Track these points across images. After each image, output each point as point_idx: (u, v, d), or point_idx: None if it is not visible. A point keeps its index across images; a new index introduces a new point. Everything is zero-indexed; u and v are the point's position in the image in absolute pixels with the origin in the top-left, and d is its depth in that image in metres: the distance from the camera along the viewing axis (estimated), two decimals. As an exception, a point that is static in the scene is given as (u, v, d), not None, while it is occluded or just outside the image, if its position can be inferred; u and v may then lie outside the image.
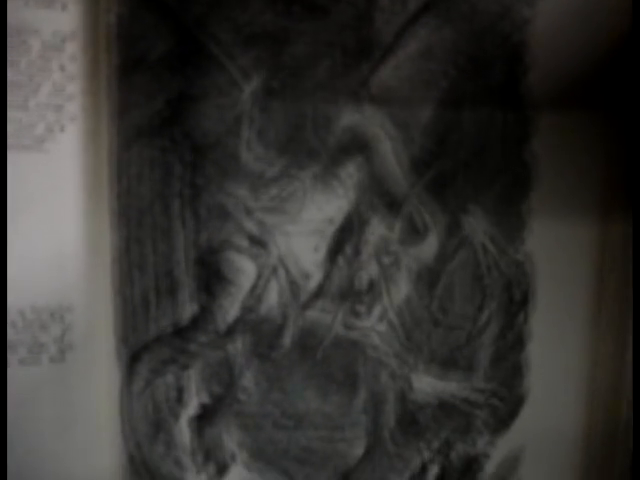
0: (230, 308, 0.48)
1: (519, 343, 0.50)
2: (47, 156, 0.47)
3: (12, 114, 0.46)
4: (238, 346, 0.49)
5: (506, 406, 0.51)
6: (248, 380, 0.49)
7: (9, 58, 0.46)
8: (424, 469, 0.51)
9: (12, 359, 0.48)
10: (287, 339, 0.49)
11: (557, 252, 0.49)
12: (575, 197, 0.49)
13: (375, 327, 0.49)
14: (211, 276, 0.48)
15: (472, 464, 0.51)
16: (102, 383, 0.49)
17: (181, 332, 0.49)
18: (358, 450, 0.51)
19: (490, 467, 0.51)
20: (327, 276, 0.48)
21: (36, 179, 0.48)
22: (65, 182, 0.48)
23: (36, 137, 0.47)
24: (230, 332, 0.49)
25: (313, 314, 0.49)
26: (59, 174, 0.48)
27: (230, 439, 0.50)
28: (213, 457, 0.50)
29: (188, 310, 0.48)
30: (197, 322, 0.49)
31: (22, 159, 0.47)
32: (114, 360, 0.49)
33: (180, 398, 0.49)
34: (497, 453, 0.51)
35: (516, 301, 0.50)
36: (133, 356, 0.49)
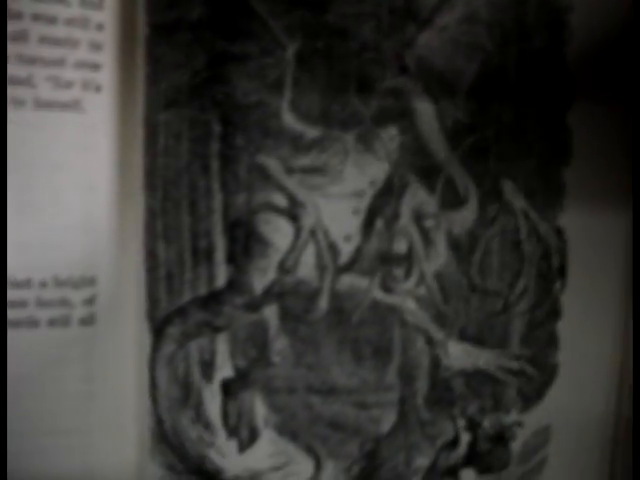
0: (267, 270, 0.48)
1: (555, 312, 0.50)
2: (83, 115, 0.47)
3: (49, 71, 0.45)
4: (273, 309, 0.48)
5: (541, 375, 0.50)
6: (282, 343, 0.49)
7: (50, 13, 0.45)
8: (456, 437, 0.51)
9: (42, 319, 0.47)
10: (323, 302, 0.48)
11: (589, 231, 0.49)
12: (611, 174, 0.49)
13: (413, 292, 0.49)
14: (248, 238, 0.47)
15: (505, 433, 0.51)
16: (132, 346, 0.48)
17: (216, 295, 0.48)
18: (391, 416, 0.50)
19: (523, 436, 0.51)
20: (366, 239, 0.48)
21: (70, 139, 0.47)
22: (100, 143, 0.47)
23: (73, 95, 0.46)
24: (266, 295, 0.48)
25: (350, 278, 0.48)
26: (94, 134, 0.47)
27: (262, 403, 0.49)
28: (245, 422, 0.49)
29: (224, 272, 0.48)
30: (233, 284, 0.48)
31: (57, 118, 0.46)
32: (145, 323, 0.48)
33: (213, 361, 0.48)
34: (530, 423, 0.51)
35: (554, 269, 0.50)
36: (165, 319, 0.48)
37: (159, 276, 0.48)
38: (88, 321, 0.48)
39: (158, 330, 0.48)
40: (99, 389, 0.48)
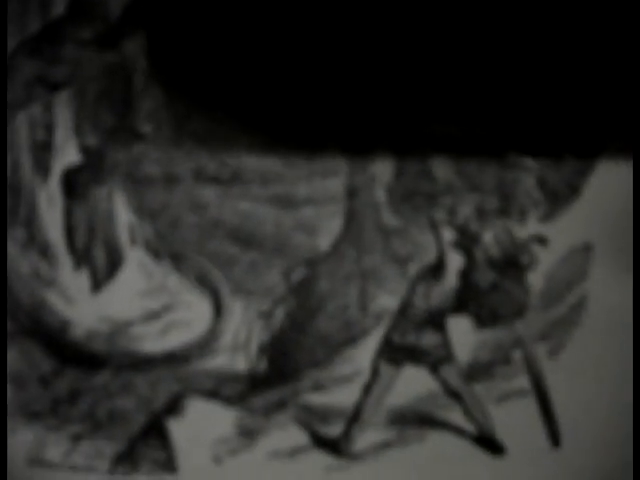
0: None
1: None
2: None
3: None
4: (139, 43, 0.32)
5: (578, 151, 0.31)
6: (155, 100, 0.32)
7: None
8: (441, 259, 0.32)
9: None
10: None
11: None
12: None
13: None
14: None
15: (519, 255, 0.32)
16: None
17: (52, 28, 0.33)
18: (334, 222, 0.32)
19: (548, 262, 0.32)
20: None
21: None
22: None
23: None
24: (128, 18, 0.32)
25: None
26: None
27: (127, 205, 0.32)
28: (100, 238, 0.33)
29: (62, -8, 0.32)
30: (76, 7, 0.33)
31: None
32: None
33: (50, 142, 0.33)
34: (560, 238, 0.32)
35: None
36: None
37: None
38: None
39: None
40: None
